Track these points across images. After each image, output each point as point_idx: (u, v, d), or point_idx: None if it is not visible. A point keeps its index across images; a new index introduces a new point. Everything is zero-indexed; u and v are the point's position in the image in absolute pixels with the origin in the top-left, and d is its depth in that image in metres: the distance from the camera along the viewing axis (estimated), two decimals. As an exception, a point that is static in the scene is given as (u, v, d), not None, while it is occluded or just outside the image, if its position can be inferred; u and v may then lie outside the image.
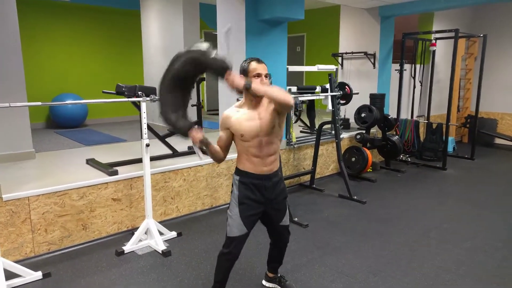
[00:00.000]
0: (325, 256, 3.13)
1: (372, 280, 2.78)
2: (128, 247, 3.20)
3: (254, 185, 2.23)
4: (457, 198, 4.62)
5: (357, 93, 5.28)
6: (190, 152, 4.28)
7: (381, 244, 3.35)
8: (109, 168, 3.54)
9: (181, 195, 3.92)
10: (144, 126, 3.17)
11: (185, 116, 2.15)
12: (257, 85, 2.05)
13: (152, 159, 3.94)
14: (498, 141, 7.51)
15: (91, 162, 3.91)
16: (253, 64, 2.16)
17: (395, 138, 5.62)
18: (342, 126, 5.79)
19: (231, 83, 2.04)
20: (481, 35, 6.20)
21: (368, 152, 5.17)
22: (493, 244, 3.35)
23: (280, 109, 2.12)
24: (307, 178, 4.99)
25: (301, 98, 4.68)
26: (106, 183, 3.40)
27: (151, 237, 3.31)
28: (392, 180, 5.28)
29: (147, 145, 3.17)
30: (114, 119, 7.95)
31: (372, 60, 5.89)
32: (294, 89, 4.99)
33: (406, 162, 6.07)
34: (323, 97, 4.90)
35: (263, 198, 2.26)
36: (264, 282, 2.71)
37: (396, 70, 6.20)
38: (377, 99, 5.32)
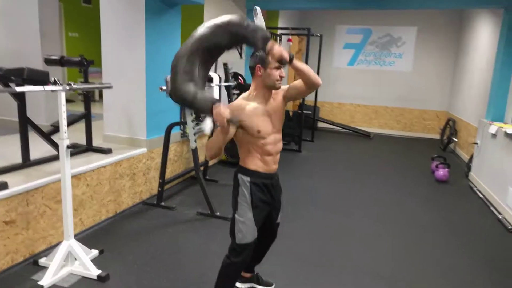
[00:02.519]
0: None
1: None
2: (46, 281, 2.45)
3: (265, 185, 2.11)
4: (322, 174, 5.43)
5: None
6: (78, 151, 3.52)
7: (301, 224, 3.67)
8: (-8, 181, 2.58)
9: (84, 205, 3.21)
10: (64, 122, 2.45)
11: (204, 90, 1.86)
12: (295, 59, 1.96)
13: (34, 163, 3.11)
14: (320, 124, 9.01)
15: None
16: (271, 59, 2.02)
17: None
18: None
19: (277, 53, 1.88)
20: (319, 34, 7.27)
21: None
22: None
23: (307, 90, 2.03)
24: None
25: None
26: (-4, 201, 2.47)
27: (72, 262, 2.63)
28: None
29: (68, 147, 2.47)
30: None
31: (240, 50, 6.09)
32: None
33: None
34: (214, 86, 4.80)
35: (271, 198, 2.17)
36: (238, 285, 2.58)
37: (256, 61, 6.61)
38: (246, 89, 5.57)
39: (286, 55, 1.90)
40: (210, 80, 4.60)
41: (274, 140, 2.07)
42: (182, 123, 4.12)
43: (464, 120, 6.86)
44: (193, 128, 3.62)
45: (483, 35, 6.31)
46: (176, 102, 1.99)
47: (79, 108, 4.22)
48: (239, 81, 5.13)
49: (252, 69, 2.02)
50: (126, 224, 3.47)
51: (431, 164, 5.74)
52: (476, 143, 5.17)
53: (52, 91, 2.40)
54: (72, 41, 8.14)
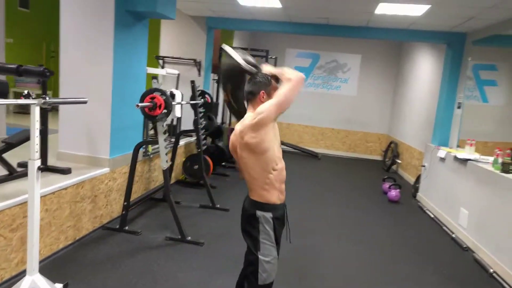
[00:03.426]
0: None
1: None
2: (6, 326, 2.09)
3: (282, 219, 1.99)
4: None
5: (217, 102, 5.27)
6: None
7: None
8: None
9: (42, 232, 2.83)
10: (37, 140, 2.15)
11: None
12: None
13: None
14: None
15: None
16: (276, 84, 2.01)
17: (221, 144, 5.96)
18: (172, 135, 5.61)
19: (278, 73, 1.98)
20: (274, 56, 7.42)
21: (209, 159, 5.27)
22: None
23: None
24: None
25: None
26: None
27: (35, 300, 2.28)
28: (227, 184, 5.58)
29: (40, 169, 2.18)
30: None
31: (198, 68, 5.99)
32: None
33: (224, 166, 6.52)
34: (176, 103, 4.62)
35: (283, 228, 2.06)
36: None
37: (213, 79, 6.55)
38: (212, 107, 5.48)
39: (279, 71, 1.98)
40: (173, 96, 4.44)
41: (284, 166, 2.00)
42: (150, 142, 3.88)
43: (406, 143, 7.38)
44: (166, 148, 3.42)
45: (424, 67, 6.91)
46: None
47: (11, 121, 3.78)
48: (206, 99, 5.01)
49: (253, 95, 1.96)
50: (89, 252, 3.13)
51: (382, 184, 6.04)
52: (424, 166, 5.56)
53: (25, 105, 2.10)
54: (7, 48, 7.37)
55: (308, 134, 9.36)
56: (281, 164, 1.95)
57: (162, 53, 6.15)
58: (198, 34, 6.01)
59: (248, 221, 1.94)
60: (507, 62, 7.67)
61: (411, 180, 6.71)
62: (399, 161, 7.55)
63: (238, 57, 1.95)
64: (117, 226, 3.59)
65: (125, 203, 3.54)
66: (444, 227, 4.55)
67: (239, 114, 2.04)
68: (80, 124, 3.61)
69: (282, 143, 8.92)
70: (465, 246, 4.00)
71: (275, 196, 1.93)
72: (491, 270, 3.43)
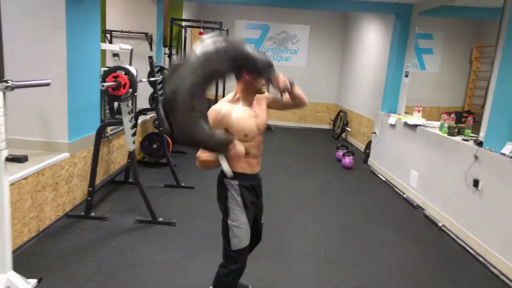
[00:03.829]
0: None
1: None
2: (-15, 328, 1.98)
3: (252, 187, 2.08)
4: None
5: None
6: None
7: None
8: None
9: (5, 226, 2.65)
10: (2, 128, 1.98)
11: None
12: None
13: None
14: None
15: None
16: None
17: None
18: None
19: (281, 83, 1.85)
20: (226, 28, 7.27)
21: (167, 136, 5.15)
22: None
23: (293, 108, 2.14)
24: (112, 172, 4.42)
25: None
26: None
27: (12, 298, 2.16)
28: (186, 162, 5.52)
29: (8, 159, 2.02)
30: None
31: (150, 42, 5.72)
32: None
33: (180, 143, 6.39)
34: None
35: (257, 198, 2.15)
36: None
37: (165, 53, 6.30)
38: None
39: (287, 85, 1.94)
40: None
41: (258, 143, 2.05)
42: (113, 123, 3.71)
43: (355, 112, 7.74)
44: (131, 129, 3.29)
45: (370, 37, 7.18)
46: (185, 145, 1.83)
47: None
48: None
49: (238, 72, 1.95)
50: (56, 243, 2.99)
51: (336, 152, 6.34)
52: (375, 133, 5.89)
53: (-17, 90, 1.91)
54: None
55: (260, 106, 9.43)
56: (251, 143, 1.98)
57: (108, 27, 5.77)
58: (148, 5, 5.69)
59: (219, 189, 2.06)
60: (441, 31, 8.23)
61: (361, 146, 7.10)
62: (349, 129, 7.92)
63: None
64: (82, 213, 3.45)
65: (90, 189, 3.40)
66: (396, 189, 4.92)
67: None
68: (32, 107, 3.34)
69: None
70: (415, 204, 4.38)
71: (242, 167, 2.00)
72: (440, 224, 3.82)
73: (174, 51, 6.52)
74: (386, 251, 3.32)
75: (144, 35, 5.64)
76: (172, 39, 6.27)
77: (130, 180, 4.41)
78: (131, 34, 5.66)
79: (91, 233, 3.20)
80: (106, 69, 3.81)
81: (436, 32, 8.16)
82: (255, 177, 2.11)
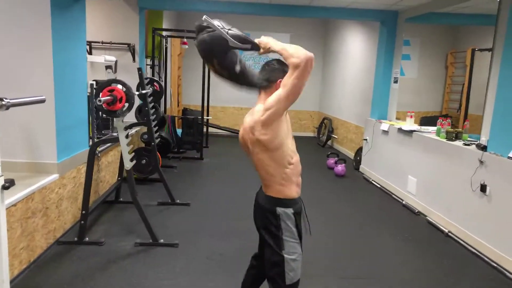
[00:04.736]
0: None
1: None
2: None
3: (301, 213, 1.87)
4: (233, 179, 5.35)
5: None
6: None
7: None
8: None
9: (-5, 260, 2.36)
10: (-3, 154, 1.74)
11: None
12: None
13: None
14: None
15: None
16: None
17: (164, 134, 5.60)
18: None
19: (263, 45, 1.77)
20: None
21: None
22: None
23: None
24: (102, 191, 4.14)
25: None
26: None
27: None
28: (175, 177, 5.29)
29: (4, 188, 1.78)
30: None
31: (132, 53, 5.47)
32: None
33: (168, 157, 6.16)
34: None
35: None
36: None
37: (147, 65, 6.06)
38: (161, 96, 5.05)
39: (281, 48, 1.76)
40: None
41: (298, 158, 1.89)
42: (108, 140, 3.46)
43: (341, 118, 7.74)
44: (127, 145, 3.06)
45: (355, 44, 7.22)
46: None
47: None
48: (155, 87, 4.59)
49: (270, 82, 1.79)
50: (51, 274, 2.71)
51: (327, 160, 6.27)
52: (366, 139, 5.87)
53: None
54: None
55: (243, 116, 9.13)
56: (296, 157, 1.84)
57: (89, 38, 5.47)
58: (129, 15, 5.45)
59: (268, 219, 1.80)
60: (418, 37, 8.40)
61: (349, 153, 7.08)
62: (335, 136, 7.90)
63: (223, 32, 1.78)
64: (76, 239, 3.17)
65: (83, 212, 3.13)
66: (394, 196, 4.88)
67: (237, 79, 1.79)
68: (16, 126, 3.05)
69: (218, 128, 8.83)
70: (416, 211, 4.35)
71: (294, 191, 1.82)
72: (446, 230, 3.78)
73: (156, 62, 6.29)
74: (398, 261, 3.23)
75: (126, 46, 5.39)
76: (154, 50, 6.04)
77: (121, 199, 4.15)
78: (112, 45, 5.40)
79: (87, 260, 2.93)
80: (94, 82, 3.59)
81: (413, 38, 8.32)
82: (300, 200, 1.90)
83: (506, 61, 3.29)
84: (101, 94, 2.84)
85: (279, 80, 1.74)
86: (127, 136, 3.06)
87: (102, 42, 5.33)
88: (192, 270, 2.86)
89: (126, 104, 2.86)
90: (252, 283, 2.21)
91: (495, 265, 3.13)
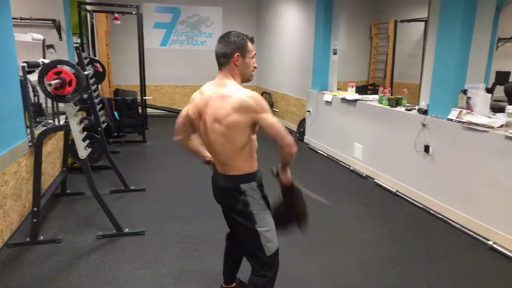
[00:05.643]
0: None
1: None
2: None
3: (262, 183, 1.89)
4: (181, 161, 5.21)
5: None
6: None
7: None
8: None
9: None
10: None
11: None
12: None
13: None
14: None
15: None
16: (252, 45, 1.80)
17: (104, 118, 5.22)
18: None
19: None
20: (141, 12, 6.63)
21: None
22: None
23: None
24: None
25: (32, 78, 3.40)
26: None
27: None
28: (122, 162, 4.99)
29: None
30: None
31: (58, 30, 4.93)
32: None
33: (108, 142, 5.78)
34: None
35: None
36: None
37: (76, 43, 5.51)
38: (103, 78, 4.62)
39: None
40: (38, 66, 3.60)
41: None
42: (56, 128, 3.12)
43: (280, 92, 7.86)
44: (80, 132, 2.79)
45: (290, 18, 7.28)
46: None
47: None
48: (96, 68, 4.18)
49: (227, 57, 1.72)
50: (9, 279, 2.44)
51: (272, 134, 6.36)
52: (309, 111, 6.06)
53: None
54: None
55: (180, 95, 9.01)
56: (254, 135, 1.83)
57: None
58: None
59: (234, 198, 1.78)
60: (343, 9, 8.72)
61: (291, 125, 7.27)
62: (276, 110, 8.03)
63: None
64: (28, 239, 2.88)
65: (35, 209, 2.83)
66: (341, 163, 5.16)
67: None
68: None
69: (154, 107, 8.44)
70: (364, 175, 4.65)
71: (254, 164, 1.84)
72: (394, 190, 4.11)
73: (85, 40, 5.76)
74: (358, 224, 3.45)
75: (51, 22, 4.84)
76: (82, 26, 5.51)
77: (68, 191, 3.83)
78: (33, 21, 4.81)
79: (47, 260, 2.69)
80: (25, 64, 3.20)
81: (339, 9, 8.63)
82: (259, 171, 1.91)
83: (442, 31, 3.56)
84: (45, 77, 2.53)
85: (237, 54, 1.71)
86: (79, 122, 2.79)
87: (21, 18, 4.71)
88: (167, 256, 2.77)
89: (77, 87, 2.58)
90: (233, 268, 2.24)
91: (440, 216, 3.50)
